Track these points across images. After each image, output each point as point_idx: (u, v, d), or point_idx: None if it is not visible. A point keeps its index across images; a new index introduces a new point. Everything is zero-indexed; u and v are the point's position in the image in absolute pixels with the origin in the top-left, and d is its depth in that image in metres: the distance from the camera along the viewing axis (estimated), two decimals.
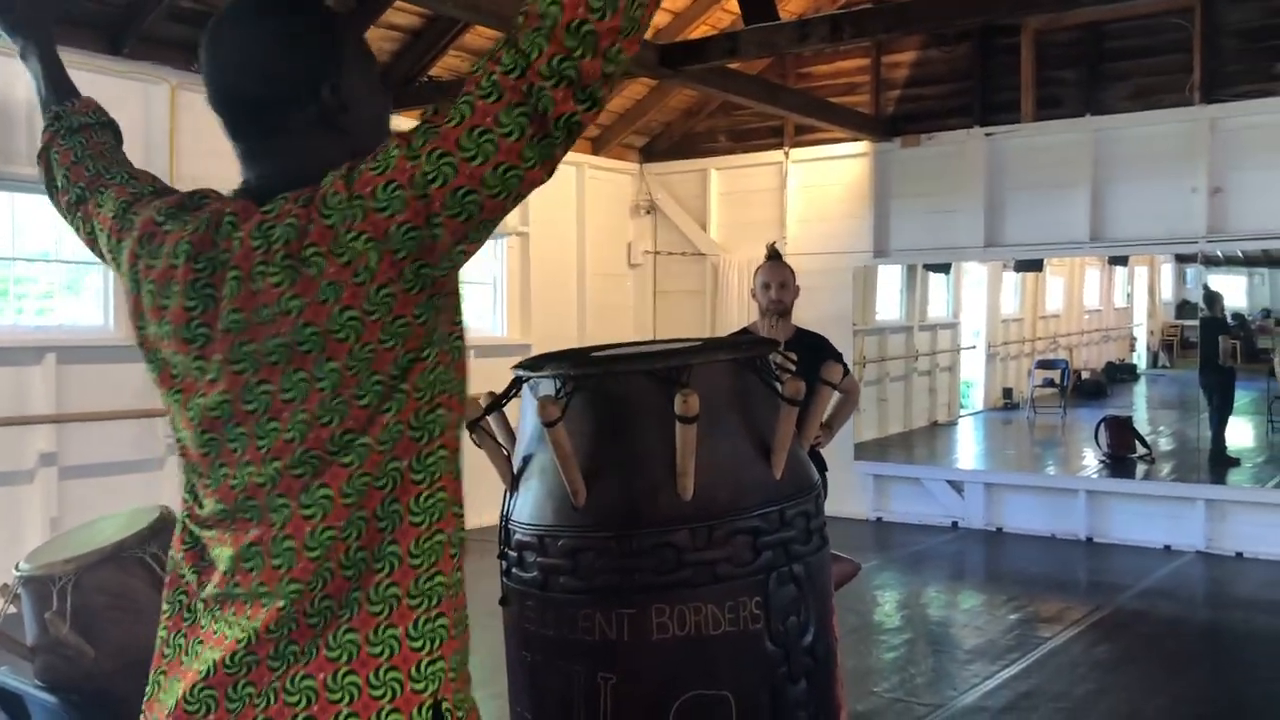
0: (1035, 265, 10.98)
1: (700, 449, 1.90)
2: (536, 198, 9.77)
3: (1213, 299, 10.71)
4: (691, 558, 1.89)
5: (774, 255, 4.60)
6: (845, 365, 4.77)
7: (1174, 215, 7.52)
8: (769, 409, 2.01)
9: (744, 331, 4.57)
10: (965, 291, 11.60)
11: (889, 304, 10.42)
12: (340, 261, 1.18)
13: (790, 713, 1.93)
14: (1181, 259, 12.29)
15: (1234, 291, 13.09)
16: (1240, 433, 11.10)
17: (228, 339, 1.24)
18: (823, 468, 4.34)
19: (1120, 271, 14.43)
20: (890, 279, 10.23)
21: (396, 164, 1.18)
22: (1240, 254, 8.72)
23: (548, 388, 2.01)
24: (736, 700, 1.89)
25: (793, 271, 4.54)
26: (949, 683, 4.84)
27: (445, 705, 1.24)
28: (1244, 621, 6.03)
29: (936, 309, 11.32)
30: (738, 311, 8.91)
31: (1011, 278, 12.20)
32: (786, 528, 1.99)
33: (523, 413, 2.11)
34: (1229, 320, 11.07)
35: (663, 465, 1.91)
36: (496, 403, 2.12)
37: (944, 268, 10.62)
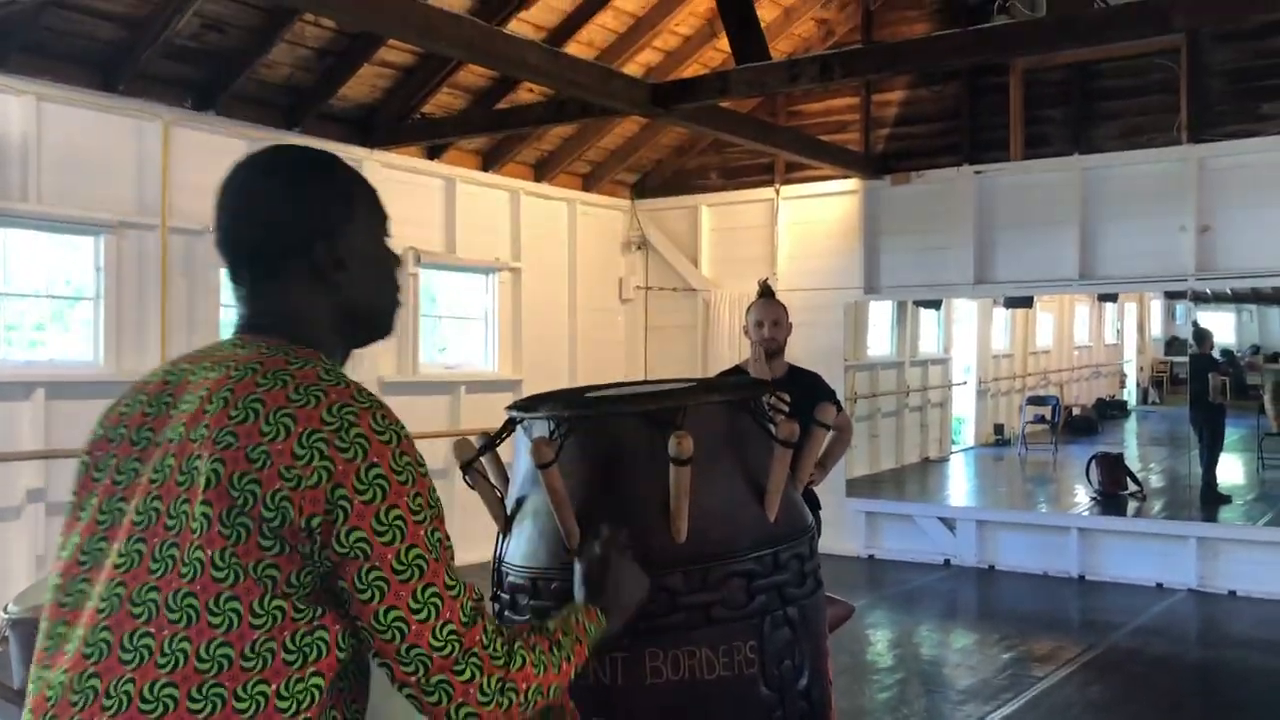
0: (1025, 302, 11.02)
1: (694, 491, 1.89)
2: (529, 233, 9.76)
3: (1202, 336, 10.74)
4: (686, 601, 1.88)
5: (766, 293, 4.60)
6: (839, 403, 4.77)
7: (1162, 253, 7.57)
8: (763, 451, 2.00)
9: (736, 369, 4.58)
10: (956, 327, 11.65)
11: (880, 339, 10.45)
12: (283, 479, 1.18)
13: None
14: (1171, 295, 12.37)
15: (1223, 328, 13.14)
16: (1231, 470, 11.10)
17: (160, 450, 1.26)
18: (816, 506, 4.33)
19: (1110, 308, 14.49)
20: (881, 315, 10.26)
21: (407, 555, 1.21)
22: (1229, 291, 8.77)
23: (541, 429, 1.99)
24: None
25: (785, 309, 4.55)
26: None
27: None
28: (1237, 661, 6.01)
29: (927, 345, 11.35)
30: (729, 347, 8.93)
31: (1002, 314, 12.25)
32: (781, 570, 1.97)
33: (516, 454, 2.10)
34: (1218, 357, 11.12)
35: (656, 507, 1.89)
36: (490, 443, 2.11)
37: (934, 304, 10.66)
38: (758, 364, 4.41)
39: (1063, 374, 13.73)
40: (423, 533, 1.21)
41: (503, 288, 8.70)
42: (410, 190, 7.94)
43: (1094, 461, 9.53)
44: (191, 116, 6.71)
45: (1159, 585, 7.38)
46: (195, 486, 1.20)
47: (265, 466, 1.18)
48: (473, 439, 2.13)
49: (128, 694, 1.17)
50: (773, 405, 2.15)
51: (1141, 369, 15.06)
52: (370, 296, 1.40)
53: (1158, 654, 6.09)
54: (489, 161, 8.59)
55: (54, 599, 1.29)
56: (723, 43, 7.36)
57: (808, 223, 9.05)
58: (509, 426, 2.09)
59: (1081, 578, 7.69)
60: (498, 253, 8.58)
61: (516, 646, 1.31)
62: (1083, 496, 9.63)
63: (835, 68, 6.18)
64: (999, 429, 12.60)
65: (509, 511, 2.06)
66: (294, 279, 1.34)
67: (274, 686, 1.18)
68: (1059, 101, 8.18)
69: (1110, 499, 9.23)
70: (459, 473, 2.09)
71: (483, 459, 2.14)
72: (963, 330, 11.91)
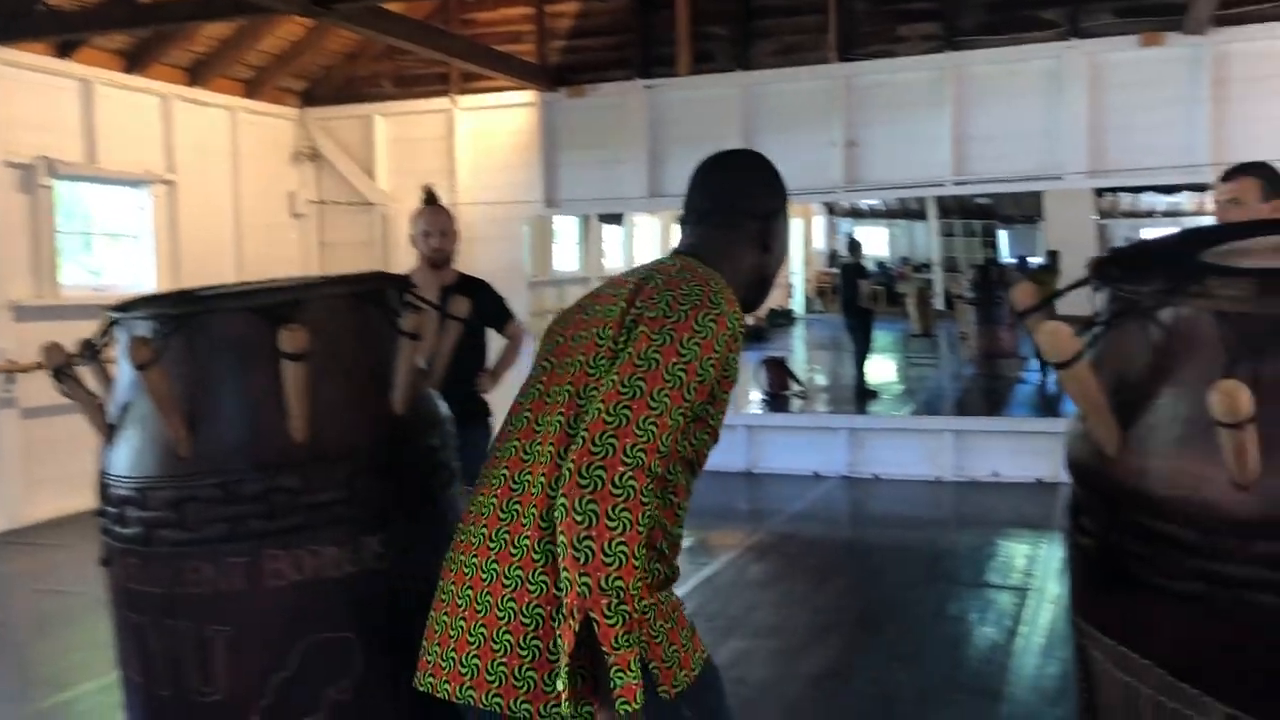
0: None
1: (314, 388, 1.82)
2: (185, 143, 8.96)
3: (854, 246, 11.65)
4: (306, 500, 1.82)
5: (431, 200, 4.51)
6: (510, 311, 4.78)
7: (816, 167, 8.05)
8: (390, 345, 1.96)
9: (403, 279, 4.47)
10: (639, 243, 12.00)
11: (568, 256, 10.58)
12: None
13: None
14: (833, 211, 13.31)
15: (878, 242, 14.36)
16: (884, 369, 12.26)
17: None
18: (487, 414, 4.35)
19: None
20: (569, 231, 10.38)
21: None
22: (883, 205, 9.57)
23: (144, 329, 1.85)
24: (361, 641, 1.84)
25: (452, 217, 4.48)
26: None
27: None
28: (877, 536, 6.67)
29: (613, 260, 11.62)
30: (410, 263, 8.72)
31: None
32: (410, 464, 1.95)
33: (120, 359, 1.94)
34: (870, 266, 12.14)
35: (273, 407, 1.82)
36: (87, 348, 1.94)
37: (617, 219, 10.91)
38: (421, 273, 4.34)
39: None
40: (674, 360, 1.52)
41: (157, 202, 8.02)
42: (39, 92, 7.11)
43: (762, 365, 10.18)
44: None
45: (815, 474, 8.02)
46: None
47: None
48: (69, 345, 1.95)
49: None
50: (405, 301, 2.11)
51: (808, 280, 16.22)
52: (771, 276, 1.84)
53: (810, 535, 6.64)
54: (133, 63, 7.83)
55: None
56: None
57: (486, 135, 8.93)
58: (109, 328, 1.93)
59: (749, 472, 8.22)
60: (148, 164, 7.88)
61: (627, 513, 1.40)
62: (755, 397, 10.29)
63: None
64: None
65: (113, 420, 1.91)
66: (745, 234, 1.79)
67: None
68: (722, 19, 8.46)
69: (776, 399, 9.93)
70: (54, 381, 1.91)
71: (85, 368, 1.97)
72: (646, 246, 12.29)
